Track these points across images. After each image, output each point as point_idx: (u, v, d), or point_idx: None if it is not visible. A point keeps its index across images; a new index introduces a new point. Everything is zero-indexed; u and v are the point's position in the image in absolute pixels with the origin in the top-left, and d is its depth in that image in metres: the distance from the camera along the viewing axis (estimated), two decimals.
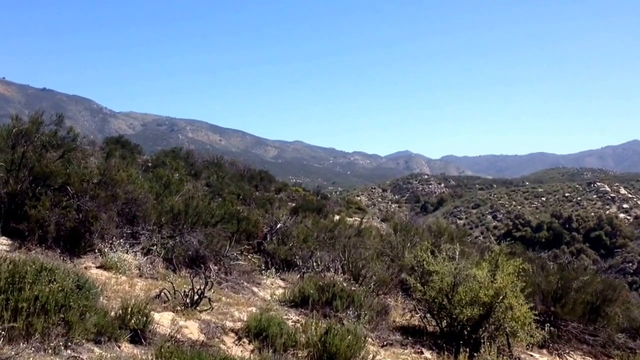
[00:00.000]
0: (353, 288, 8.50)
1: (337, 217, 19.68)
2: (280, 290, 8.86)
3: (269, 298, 8.26)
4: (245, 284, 8.68)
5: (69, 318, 4.37)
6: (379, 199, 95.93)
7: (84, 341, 4.44)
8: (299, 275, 9.99)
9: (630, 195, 72.76)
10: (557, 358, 8.78)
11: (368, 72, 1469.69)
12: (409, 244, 12.50)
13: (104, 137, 29.15)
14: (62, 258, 6.92)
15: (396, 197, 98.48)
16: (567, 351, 8.98)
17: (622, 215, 67.35)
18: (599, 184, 77.20)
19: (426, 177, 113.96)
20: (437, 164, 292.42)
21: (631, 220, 66.05)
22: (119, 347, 4.77)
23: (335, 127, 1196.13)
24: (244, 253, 9.92)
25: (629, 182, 77.98)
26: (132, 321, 5.02)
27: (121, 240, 7.76)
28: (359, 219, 21.58)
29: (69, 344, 4.29)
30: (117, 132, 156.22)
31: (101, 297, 5.44)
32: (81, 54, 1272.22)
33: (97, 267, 7.16)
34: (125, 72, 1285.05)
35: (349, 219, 21.25)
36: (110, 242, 7.55)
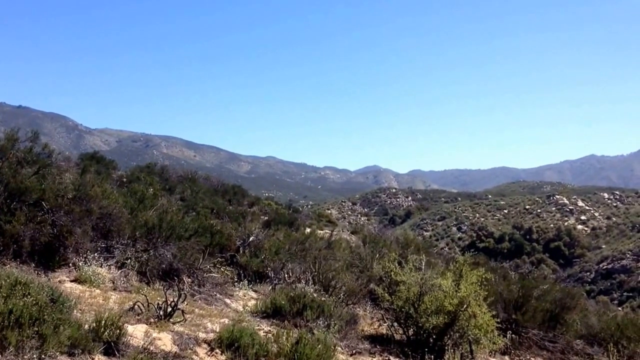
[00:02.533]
0: (323, 298, 8.59)
1: (308, 230, 19.82)
2: (253, 302, 8.94)
3: (242, 309, 8.32)
4: (218, 295, 8.70)
5: (43, 331, 4.38)
6: (349, 212, 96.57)
7: (57, 354, 4.45)
8: (270, 287, 10.04)
9: (587, 208, 75.85)
10: None
11: (338, 91, 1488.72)
12: (377, 255, 12.69)
13: (79, 153, 28.28)
14: (36, 272, 6.90)
15: (365, 210, 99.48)
16: (528, 357, 9.21)
17: (580, 227, 70.04)
18: (557, 196, 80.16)
19: (394, 190, 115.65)
20: (405, 178, 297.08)
21: (588, 231, 68.74)
22: (93, 359, 4.78)
23: (307, 143, 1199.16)
24: (217, 265, 9.91)
25: (586, 195, 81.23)
26: (106, 333, 5.03)
27: (95, 254, 7.75)
28: (330, 232, 21.89)
29: (43, 356, 4.31)
30: (92, 148, 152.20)
31: (75, 310, 5.43)
32: (57, 72, 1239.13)
33: (72, 281, 7.13)
34: (101, 89, 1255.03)
35: (319, 231, 21.48)
36: (85, 256, 7.54)
